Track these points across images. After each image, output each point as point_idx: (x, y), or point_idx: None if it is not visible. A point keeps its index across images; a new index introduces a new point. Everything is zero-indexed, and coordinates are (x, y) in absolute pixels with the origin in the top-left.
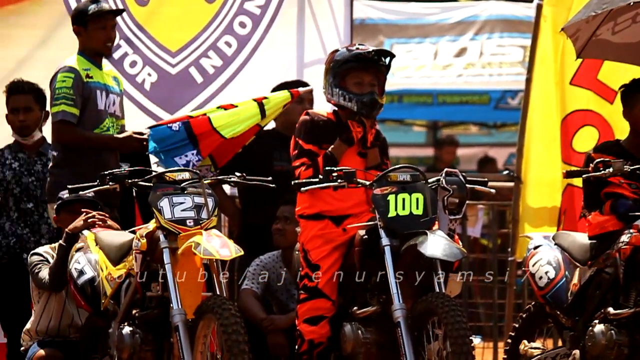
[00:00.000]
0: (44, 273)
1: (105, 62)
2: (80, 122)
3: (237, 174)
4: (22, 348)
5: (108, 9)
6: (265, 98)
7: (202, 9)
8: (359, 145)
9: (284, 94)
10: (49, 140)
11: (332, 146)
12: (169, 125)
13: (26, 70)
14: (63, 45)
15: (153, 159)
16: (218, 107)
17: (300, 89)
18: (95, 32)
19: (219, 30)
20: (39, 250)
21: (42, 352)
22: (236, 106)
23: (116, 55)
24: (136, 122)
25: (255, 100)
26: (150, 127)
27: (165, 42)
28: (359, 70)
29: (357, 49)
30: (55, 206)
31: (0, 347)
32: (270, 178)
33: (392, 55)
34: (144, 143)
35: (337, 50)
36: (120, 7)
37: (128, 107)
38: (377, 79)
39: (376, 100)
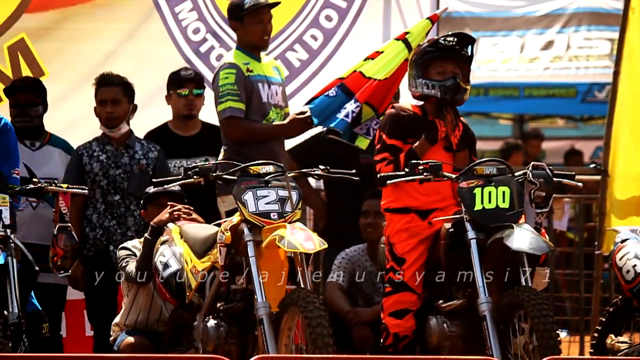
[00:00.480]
0: (132, 267)
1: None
2: (246, 116)
3: (321, 167)
4: (110, 338)
5: (264, 3)
6: (407, 33)
7: (288, 3)
8: (444, 141)
9: (424, 22)
10: (137, 133)
11: (416, 143)
12: (325, 94)
13: (114, 64)
14: (151, 39)
15: None
16: (365, 60)
17: (437, 11)
18: (252, 26)
19: (305, 24)
20: (127, 244)
21: (130, 339)
22: (382, 52)
23: (203, 48)
24: None
25: (397, 39)
26: (307, 103)
27: None
28: (440, 60)
29: (440, 39)
30: (142, 201)
31: (87, 340)
32: (354, 171)
33: (473, 40)
34: (308, 121)
35: (420, 46)
36: (208, 0)
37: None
38: (460, 68)
39: (459, 84)
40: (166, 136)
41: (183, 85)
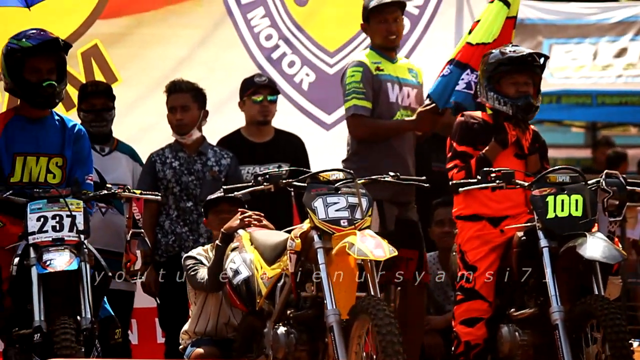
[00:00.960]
0: (201, 274)
1: (401, 54)
2: (372, 115)
3: (391, 173)
4: (180, 347)
5: (387, 1)
6: None
7: (360, 9)
8: (515, 147)
9: None
10: (210, 140)
11: (486, 148)
12: (441, 75)
13: (186, 70)
14: (222, 45)
15: None
16: (468, 33)
17: None
18: (377, 25)
19: None
20: (192, 252)
21: (200, 350)
22: (479, 20)
23: (275, 55)
24: (293, 122)
25: (491, 1)
26: (429, 94)
27: (323, 42)
28: (513, 73)
29: (511, 51)
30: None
31: (159, 347)
32: (424, 178)
33: (547, 57)
34: (436, 111)
35: (490, 53)
36: (280, 7)
37: (286, 106)
38: (532, 80)
39: (531, 104)
40: (239, 143)
41: (257, 91)
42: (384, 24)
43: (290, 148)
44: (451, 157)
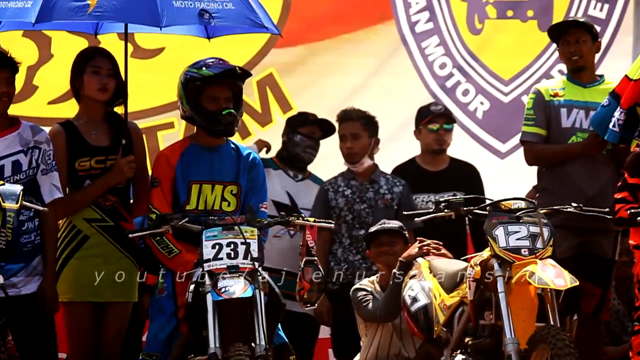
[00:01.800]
0: (373, 305)
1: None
2: (547, 141)
3: (574, 204)
4: None
5: (570, 22)
6: None
7: (536, 37)
8: None
9: None
10: (383, 168)
11: None
12: (601, 105)
13: (359, 98)
14: (396, 73)
15: None
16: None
17: None
18: (561, 48)
19: (552, 59)
20: (361, 284)
21: None
22: None
23: (449, 83)
24: (467, 150)
25: None
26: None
27: (498, 70)
28: None
29: None
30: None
31: None
32: (607, 210)
33: None
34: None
35: None
36: (455, 35)
37: (460, 135)
38: None
39: None
40: (414, 171)
41: (433, 120)
42: (565, 46)
43: (465, 177)
44: (620, 188)
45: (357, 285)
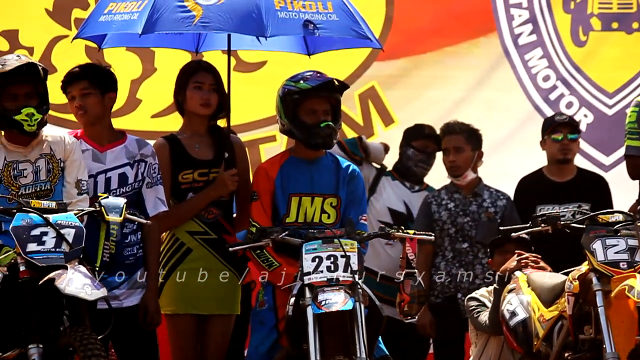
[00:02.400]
0: (483, 317)
1: None
2: None
3: None
4: None
5: None
6: None
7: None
8: None
9: None
10: (485, 181)
11: None
12: None
13: (462, 111)
14: (498, 86)
15: None
16: None
17: None
18: None
19: None
20: (476, 294)
21: None
22: None
23: (552, 96)
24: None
25: None
26: None
27: (602, 82)
28: None
29: None
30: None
31: None
32: None
33: None
34: None
35: None
36: (558, 48)
37: None
38: None
39: None
40: (540, 181)
41: (557, 129)
42: None
43: (593, 188)
44: None
45: (471, 294)
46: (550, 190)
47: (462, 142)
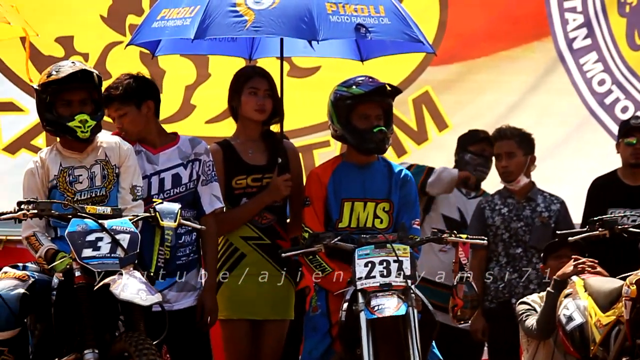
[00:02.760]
0: (530, 320)
1: None
2: None
3: None
4: None
5: None
6: None
7: None
8: None
9: None
10: (539, 186)
11: None
12: None
13: (516, 116)
14: (552, 91)
15: None
16: None
17: None
18: None
19: None
20: (527, 299)
21: None
22: None
23: (607, 100)
24: None
25: None
26: None
27: None
28: None
29: None
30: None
31: None
32: None
33: None
34: None
35: None
36: (614, 51)
37: None
38: None
39: None
40: (614, 185)
41: (631, 133)
42: None
43: None
44: None
45: (523, 299)
46: (623, 193)
47: (514, 147)
